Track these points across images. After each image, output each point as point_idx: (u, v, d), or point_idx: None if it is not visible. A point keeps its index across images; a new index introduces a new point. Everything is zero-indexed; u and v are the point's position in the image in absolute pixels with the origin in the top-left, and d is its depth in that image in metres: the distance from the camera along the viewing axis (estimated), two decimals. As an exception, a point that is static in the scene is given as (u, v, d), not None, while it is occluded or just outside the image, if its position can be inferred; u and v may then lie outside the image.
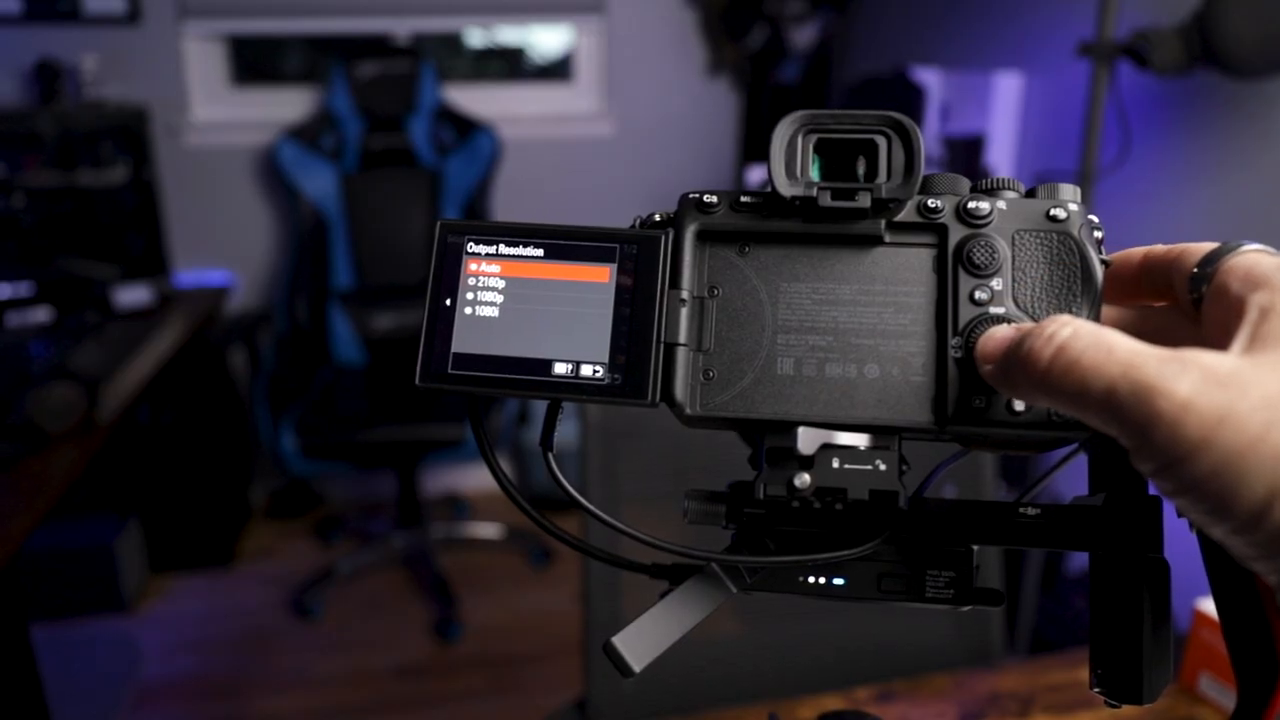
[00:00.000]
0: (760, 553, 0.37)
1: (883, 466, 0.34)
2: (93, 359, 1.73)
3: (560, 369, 0.36)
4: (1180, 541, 0.37)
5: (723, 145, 3.10)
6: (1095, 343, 0.27)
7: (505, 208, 2.86)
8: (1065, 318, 0.29)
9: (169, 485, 2.54)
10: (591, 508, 0.38)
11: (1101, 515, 0.35)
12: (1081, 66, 1.84)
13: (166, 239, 2.63)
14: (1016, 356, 0.29)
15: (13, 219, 2.39)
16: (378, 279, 2.73)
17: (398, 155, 2.72)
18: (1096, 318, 0.33)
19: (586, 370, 0.36)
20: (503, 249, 0.37)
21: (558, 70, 3.10)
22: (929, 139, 2.19)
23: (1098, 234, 0.34)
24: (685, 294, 0.36)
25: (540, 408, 0.38)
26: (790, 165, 0.35)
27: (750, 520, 0.38)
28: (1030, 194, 0.35)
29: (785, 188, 0.35)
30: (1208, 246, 0.32)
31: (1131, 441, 0.26)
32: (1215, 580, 0.32)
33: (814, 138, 0.35)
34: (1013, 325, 0.32)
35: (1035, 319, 0.33)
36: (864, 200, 0.34)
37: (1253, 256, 0.29)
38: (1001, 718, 0.90)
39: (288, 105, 2.82)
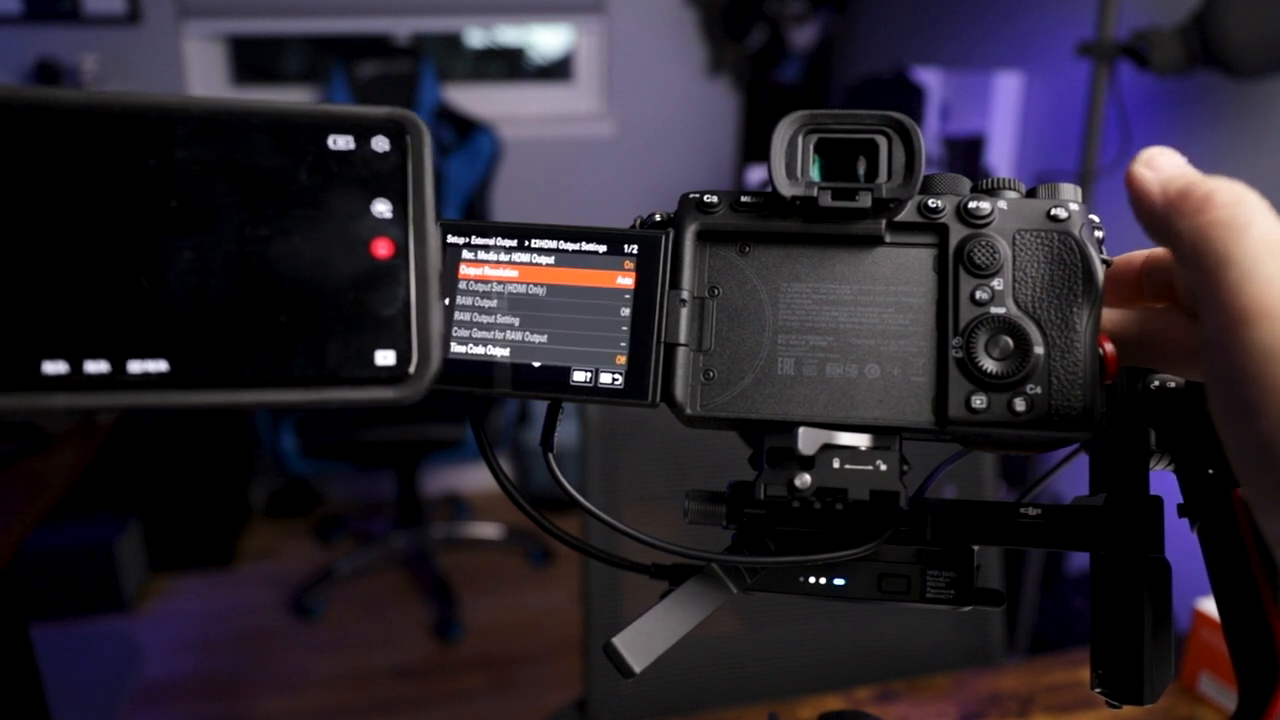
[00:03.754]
0: (760, 553, 0.37)
1: (883, 467, 0.34)
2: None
3: (560, 369, 0.36)
4: (1180, 541, 0.37)
5: (723, 145, 3.10)
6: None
7: (505, 208, 2.86)
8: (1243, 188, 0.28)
9: (169, 485, 2.54)
10: (591, 508, 0.38)
11: (1102, 515, 0.35)
12: (1081, 66, 1.84)
13: (166, 239, 2.63)
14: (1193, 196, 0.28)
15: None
16: (378, 279, 2.73)
17: (398, 155, 2.72)
18: (1097, 318, 0.33)
19: (587, 370, 0.36)
20: (502, 249, 0.37)
21: (558, 70, 3.10)
22: (929, 139, 2.19)
23: (1098, 234, 0.34)
24: (685, 294, 0.36)
25: (540, 408, 0.38)
26: (790, 165, 0.35)
27: (750, 520, 0.37)
28: (1031, 194, 0.35)
29: (785, 188, 0.35)
30: None
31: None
32: (1215, 580, 0.32)
33: (814, 138, 0.35)
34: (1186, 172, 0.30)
35: (1036, 319, 0.33)
36: (864, 200, 0.34)
37: None
38: (1001, 718, 0.90)
39: (288, 105, 2.82)
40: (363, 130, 0.29)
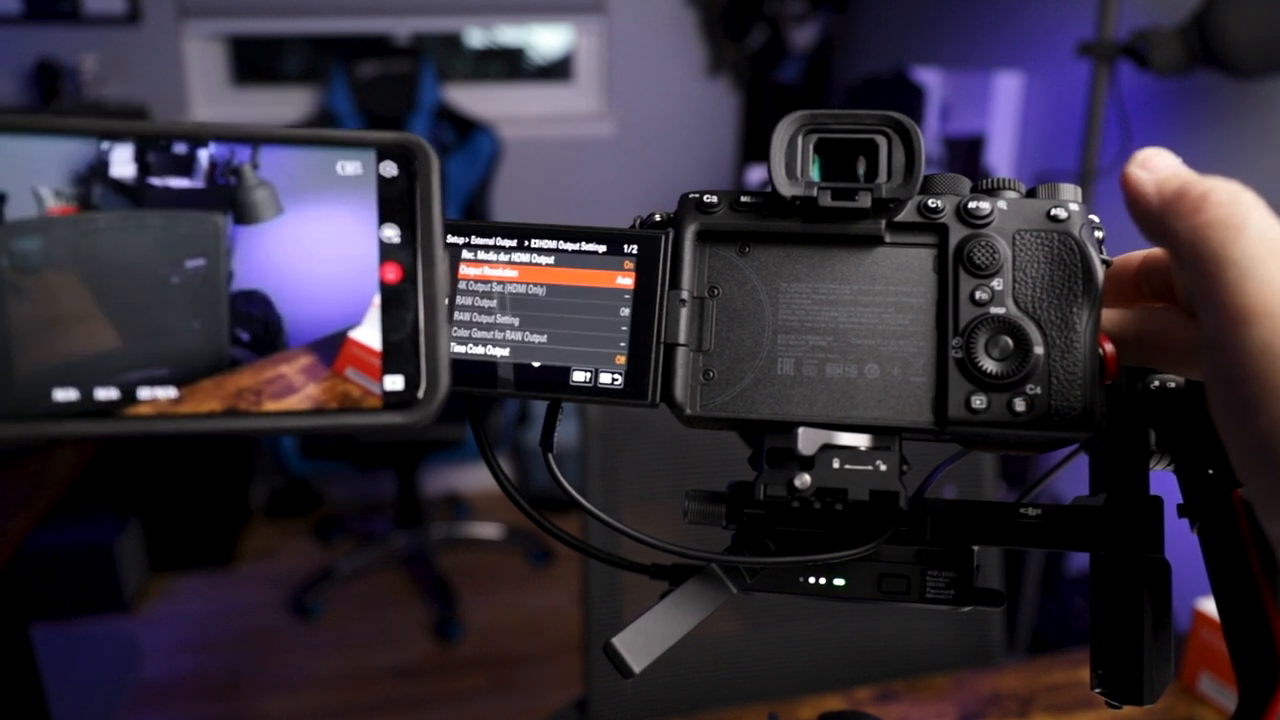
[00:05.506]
0: (760, 553, 0.37)
1: (883, 467, 0.34)
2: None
3: (560, 369, 0.36)
4: (1180, 541, 0.37)
5: (723, 145, 3.10)
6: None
7: (505, 208, 2.86)
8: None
9: (169, 485, 2.54)
10: (591, 508, 0.38)
11: (1102, 516, 0.35)
12: (1081, 66, 1.84)
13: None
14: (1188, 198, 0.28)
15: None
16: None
17: (398, 155, 2.72)
18: (1097, 318, 0.33)
19: (586, 370, 0.36)
20: (502, 249, 0.37)
21: (558, 70, 3.10)
22: (929, 139, 2.19)
23: (1098, 234, 0.34)
24: (685, 294, 0.36)
25: (540, 408, 0.38)
26: (790, 165, 0.35)
27: (750, 521, 0.37)
28: (1031, 194, 0.35)
29: (785, 188, 0.35)
30: None
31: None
32: (1215, 580, 0.32)
33: (814, 138, 0.35)
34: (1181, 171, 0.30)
35: (1036, 319, 0.33)
36: (864, 200, 0.34)
37: None
38: (1001, 718, 0.90)
39: (288, 105, 2.82)
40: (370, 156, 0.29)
